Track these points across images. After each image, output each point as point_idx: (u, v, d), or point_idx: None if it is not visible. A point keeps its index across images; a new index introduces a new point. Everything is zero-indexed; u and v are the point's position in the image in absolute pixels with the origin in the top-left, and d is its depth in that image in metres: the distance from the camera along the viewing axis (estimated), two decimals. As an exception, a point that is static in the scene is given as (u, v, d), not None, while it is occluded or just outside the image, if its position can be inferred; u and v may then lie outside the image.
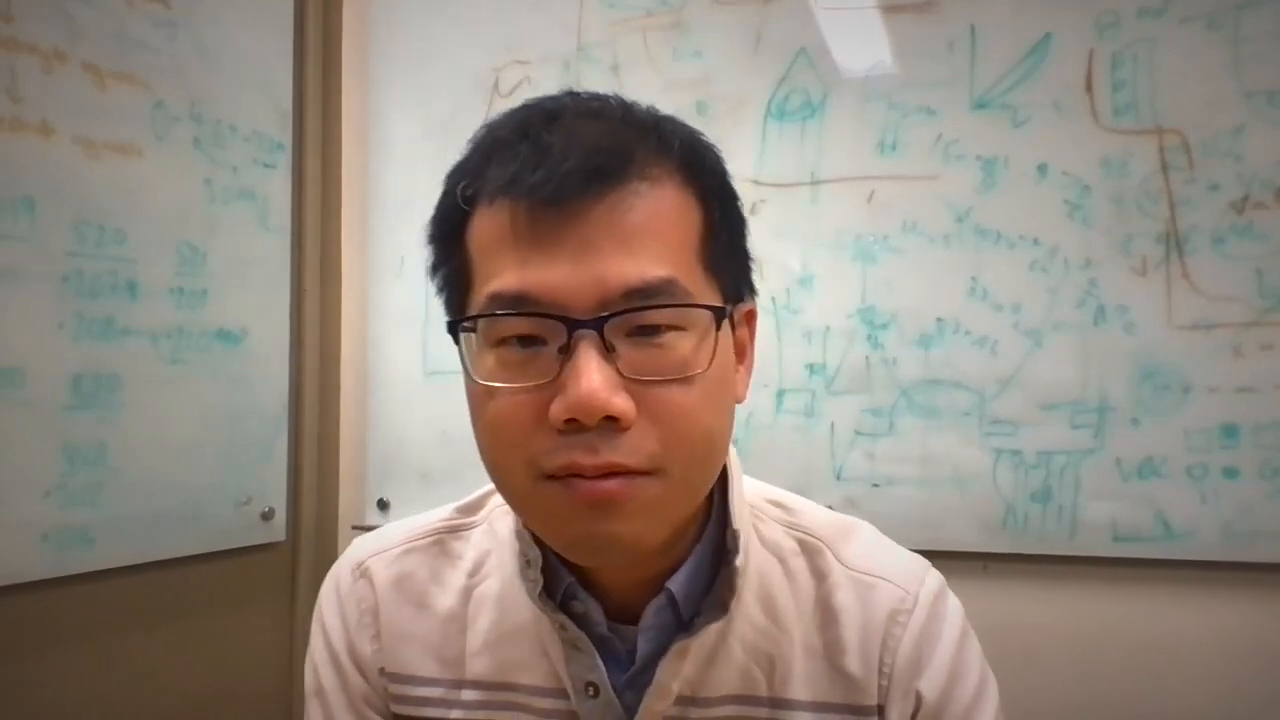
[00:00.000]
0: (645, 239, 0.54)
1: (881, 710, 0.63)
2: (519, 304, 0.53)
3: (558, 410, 0.52)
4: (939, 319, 1.46)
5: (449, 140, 1.75)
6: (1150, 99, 1.37)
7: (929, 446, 1.45)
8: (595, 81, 1.65)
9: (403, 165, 1.80)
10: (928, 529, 1.42)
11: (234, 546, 1.63)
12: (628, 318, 0.53)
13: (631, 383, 0.53)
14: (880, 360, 1.48)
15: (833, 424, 1.50)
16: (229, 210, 1.61)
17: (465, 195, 0.57)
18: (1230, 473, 1.32)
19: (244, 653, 1.67)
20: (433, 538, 0.71)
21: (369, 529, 1.84)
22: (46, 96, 1.32)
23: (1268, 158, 1.31)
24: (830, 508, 0.73)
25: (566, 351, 0.52)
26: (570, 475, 0.53)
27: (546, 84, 1.69)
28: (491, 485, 0.73)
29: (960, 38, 1.45)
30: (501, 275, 0.54)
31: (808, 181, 1.51)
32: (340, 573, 0.72)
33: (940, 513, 1.44)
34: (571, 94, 0.60)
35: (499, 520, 0.70)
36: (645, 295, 0.53)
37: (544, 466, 0.53)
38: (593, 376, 0.51)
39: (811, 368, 1.51)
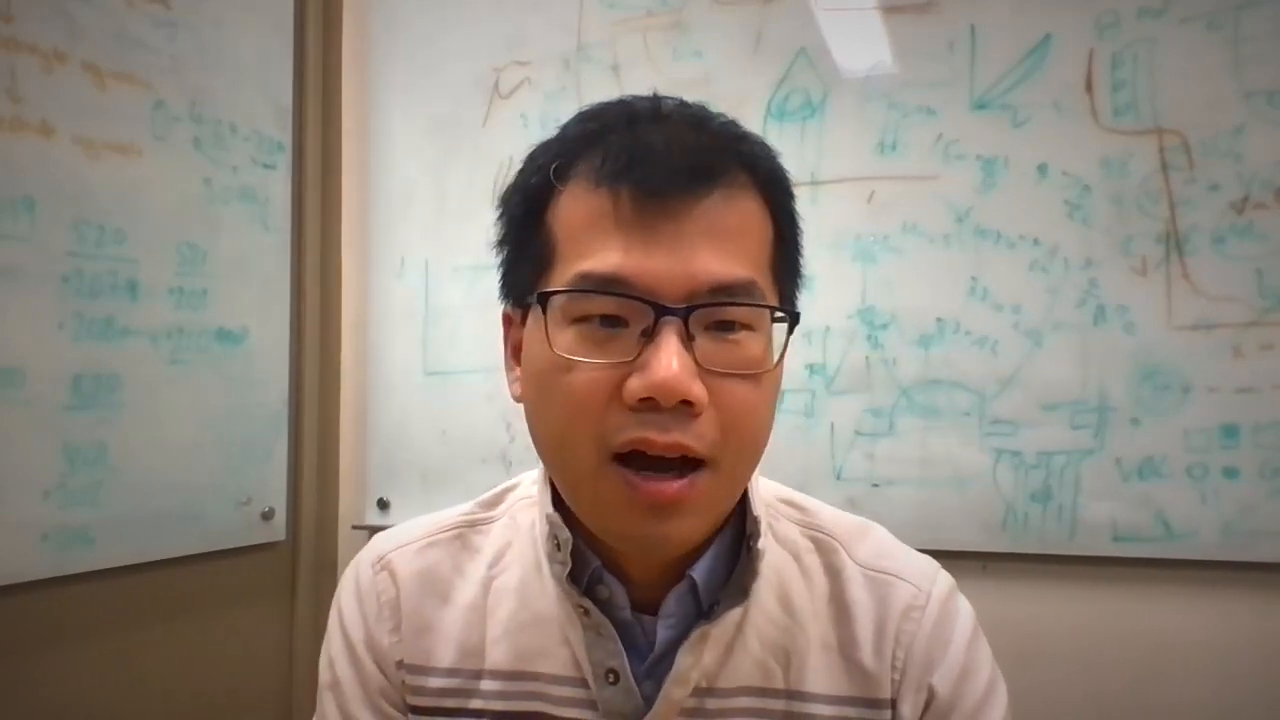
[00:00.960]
0: (735, 241, 0.58)
1: (894, 704, 0.65)
2: (612, 285, 0.56)
3: (636, 387, 0.55)
4: (939, 319, 1.46)
5: (449, 140, 1.77)
6: (1150, 99, 1.37)
7: (929, 446, 1.45)
8: (595, 81, 1.65)
9: (402, 165, 1.80)
10: (928, 529, 1.42)
11: (234, 546, 1.63)
12: (710, 311, 0.56)
13: (704, 372, 0.56)
14: (880, 360, 1.48)
15: (833, 424, 1.50)
16: (229, 210, 1.61)
17: (559, 173, 0.59)
18: (1230, 473, 1.32)
19: (244, 653, 1.67)
20: (454, 532, 0.72)
21: (369, 529, 1.85)
22: (46, 96, 1.32)
23: (1268, 158, 1.31)
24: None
25: (650, 335, 0.55)
26: (635, 453, 0.55)
27: (546, 84, 1.69)
28: (511, 481, 0.74)
29: (960, 38, 1.45)
30: (597, 256, 0.56)
31: (808, 182, 1.51)
32: (360, 567, 0.72)
33: (940, 513, 1.44)
34: (665, 97, 0.62)
35: (521, 513, 0.71)
36: (730, 293, 0.57)
37: (612, 443, 0.56)
38: (674, 361, 0.54)
39: (811, 368, 1.51)
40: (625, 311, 0.56)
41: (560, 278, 0.58)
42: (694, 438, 0.55)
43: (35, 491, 1.31)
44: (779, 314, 0.61)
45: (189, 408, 1.53)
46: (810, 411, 1.51)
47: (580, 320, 0.57)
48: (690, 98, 0.63)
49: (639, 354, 0.55)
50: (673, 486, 0.56)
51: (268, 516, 1.69)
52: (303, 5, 1.80)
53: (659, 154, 0.57)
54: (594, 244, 0.57)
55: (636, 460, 0.56)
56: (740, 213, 0.58)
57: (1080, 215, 1.39)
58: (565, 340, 0.57)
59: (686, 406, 0.55)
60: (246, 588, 1.68)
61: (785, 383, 0.66)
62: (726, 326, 0.57)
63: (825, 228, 1.49)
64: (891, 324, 1.48)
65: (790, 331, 0.60)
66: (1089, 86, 1.40)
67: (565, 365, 0.57)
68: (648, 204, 0.56)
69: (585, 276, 0.56)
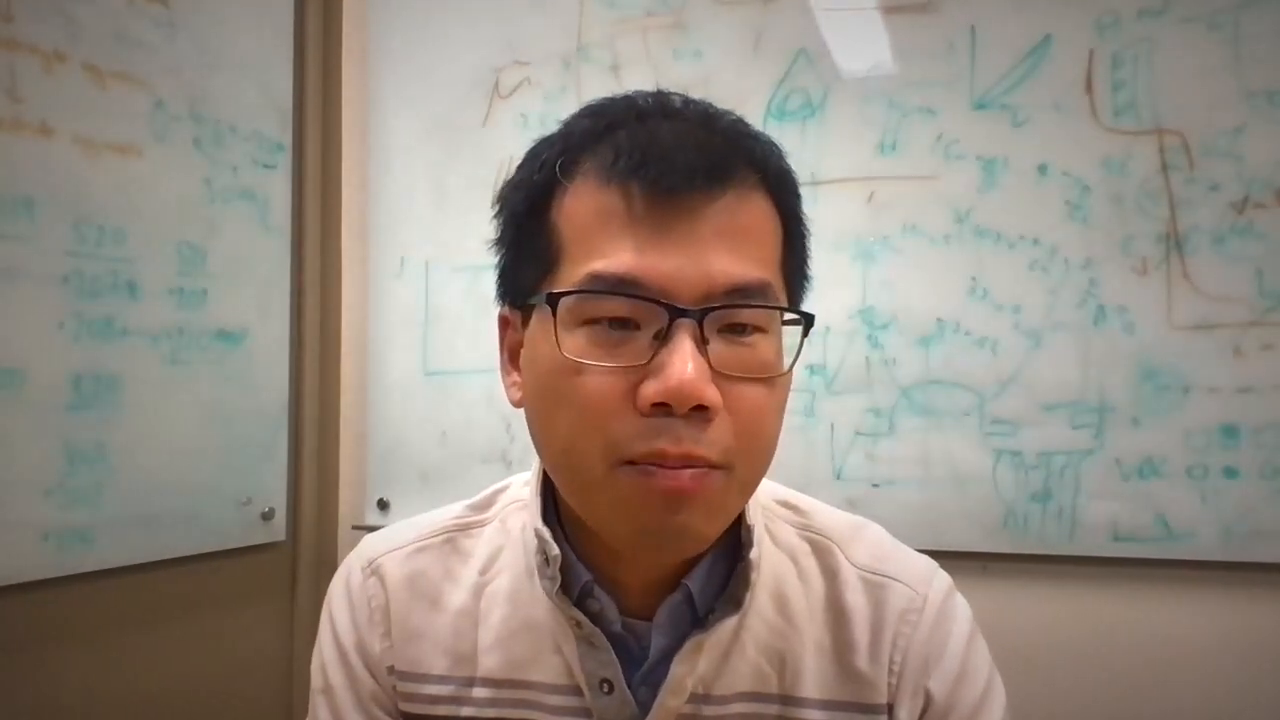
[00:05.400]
0: (749, 241, 0.56)
1: (891, 709, 0.64)
2: (624, 286, 0.54)
3: (650, 393, 0.53)
4: (939, 319, 1.46)
5: (449, 140, 1.77)
6: (1150, 99, 1.37)
7: (929, 447, 1.45)
8: (595, 82, 1.65)
9: (403, 165, 1.80)
10: (928, 529, 1.42)
11: (234, 546, 1.63)
12: (723, 314, 0.55)
13: (718, 376, 0.54)
14: (880, 360, 1.48)
15: (833, 424, 1.50)
16: (229, 210, 1.61)
17: (564, 169, 0.57)
18: (1230, 473, 1.32)
19: (244, 653, 1.67)
20: (444, 536, 0.71)
21: (369, 529, 1.84)
22: (46, 96, 1.32)
23: (1268, 158, 1.31)
24: (832, 509, 0.73)
25: (663, 338, 0.54)
26: (651, 463, 0.54)
27: (546, 84, 1.69)
28: (502, 484, 0.73)
29: (960, 38, 1.45)
30: (609, 256, 0.55)
31: (808, 182, 1.51)
32: (350, 571, 0.71)
33: (940, 513, 1.44)
34: (672, 93, 0.60)
35: (511, 517, 0.70)
36: (745, 294, 0.55)
37: (624, 451, 0.54)
38: (690, 365, 0.52)
39: (811, 368, 1.51)
40: (638, 313, 0.54)
41: (569, 278, 0.56)
42: (707, 445, 0.54)
43: (35, 491, 1.30)
44: (792, 316, 0.60)
45: (189, 408, 1.53)
46: (810, 411, 1.51)
47: (590, 322, 0.55)
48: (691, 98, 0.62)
49: (652, 357, 0.53)
50: (686, 474, 0.54)
51: (268, 517, 1.68)
52: (303, 5, 1.80)
53: (671, 151, 0.55)
54: (605, 243, 0.55)
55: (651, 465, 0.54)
56: (752, 213, 0.57)
57: (1080, 215, 1.39)
58: (575, 343, 0.55)
59: (701, 411, 0.53)
60: (246, 588, 1.68)
61: (786, 383, 0.65)
62: (740, 329, 0.56)
63: (825, 228, 1.49)
64: (891, 324, 1.48)
65: (805, 334, 0.59)
66: (1089, 86, 1.40)
67: (574, 369, 0.55)
68: (661, 202, 0.54)
69: (597, 277, 0.54)
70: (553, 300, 0.56)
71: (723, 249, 0.55)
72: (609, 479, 0.55)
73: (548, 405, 0.57)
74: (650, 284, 0.54)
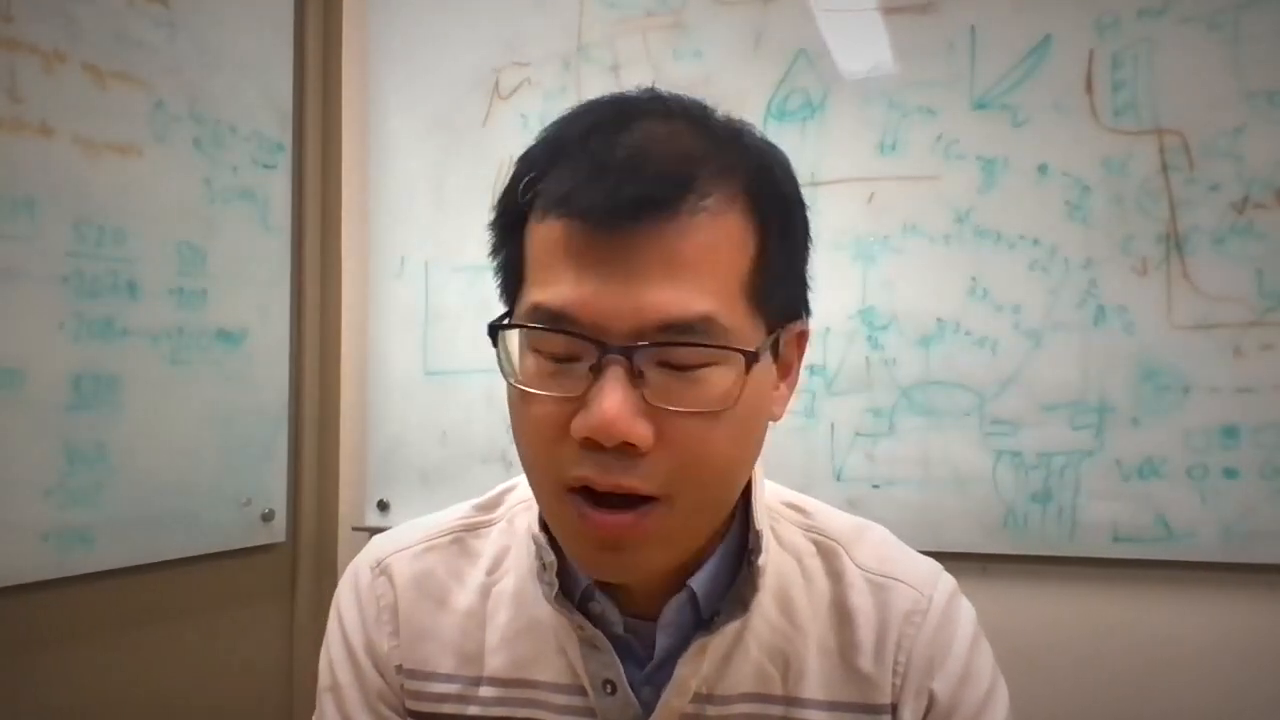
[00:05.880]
0: (692, 271, 0.53)
1: (895, 709, 0.64)
2: (557, 320, 0.54)
3: (578, 427, 0.53)
4: (939, 319, 1.46)
5: (449, 141, 1.77)
6: (1150, 99, 1.37)
7: (929, 447, 1.45)
8: (595, 81, 1.65)
9: (403, 166, 1.80)
10: (928, 530, 1.42)
11: (234, 548, 1.63)
12: (656, 350, 0.53)
13: (655, 410, 0.53)
14: (880, 361, 1.48)
15: (833, 425, 1.50)
16: (229, 210, 1.61)
17: (524, 197, 0.57)
18: (1230, 473, 1.32)
19: (244, 654, 1.67)
20: (452, 536, 0.71)
21: (369, 530, 1.84)
22: (46, 96, 1.32)
23: (1268, 158, 1.31)
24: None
25: (596, 372, 0.53)
26: (584, 488, 0.54)
27: (546, 84, 1.69)
28: (509, 483, 0.74)
29: (960, 38, 1.45)
30: (547, 288, 0.55)
31: (808, 182, 1.51)
32: (358, 570, 0.72)
33: (940, 513, 1.44)
34: (651, 94, 0.58)
35: (518, 517, 0.71)
36: (681, 330, 0.53)
37: (563, 477, 0.55)
38: (615, 402, 0.52)
39: (811, 368, 1.51)
40: (574, 347, 0.54)
41: (523, 303, 0.57)
42: (639, 478, 0.53)
43: (35, 491, 1.30)
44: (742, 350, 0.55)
45: (189, 408, 1.53)
46: (810, 412, 1.51)
47: (537, 350, 0.56)
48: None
49: (586, 389, 0.53)
50: (623, 520, 0.54)
51: (268, 518, 1.68)
52: (303, 5, 1.80)
53: (613, 174, 0.52)
54: (548, 274, 0.55)
55: (588, 493, 0.55)
56: (705, 236, 0.53)
57: (1080, 215, 1.39)
58: (525, 369, 0.57)
59: (629, 447, 0.52)
60: (246, 589, 1.68)
61: (786, 384, 0.64)
62: (683, 365, 0.54)
63: (825, 228, 1.49)
64: (891, 324, 1.48)
65: (747, 370, 0.54)
66: (1089, 87, 1.40)
67: (524, 395, 0.56)
68: (596, 234, 0.53)
69: (536, 308, 0.55)
70: (492, 332, 0.58)
71: (659, 280, 0.52)
72: (559, 503, 0.56)
73: (514, 425, 0.59)
74: (582, 319, 0.53)
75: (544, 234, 0.55)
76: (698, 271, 0.53)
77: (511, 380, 0.57)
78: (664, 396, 0.53)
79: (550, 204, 0.55)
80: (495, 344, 0.59)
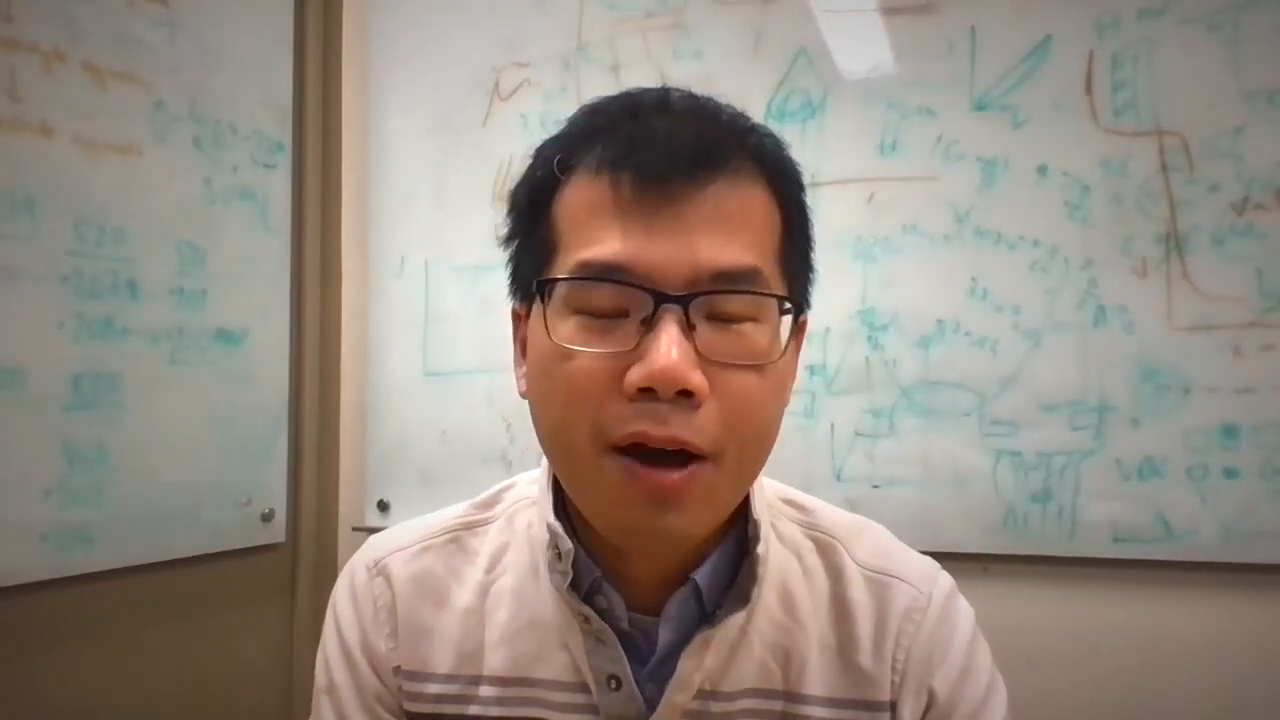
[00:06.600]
0: (739, 227, 0.56)
1: (894, 706, 0.64)
2: (611, 273, 0.55)
3: (635, 377, 0.53)
4: (939, 320, 1.46)
5: (449, 141, 1.77)
6: (1150, 100, 1.37)
7: (929, 447, 1.45)
8: (595, 82, 1.65)
9: (403, 165, 1.80)
10: (928, 530, 1.42)
11: (234, 547, 1.63)
12: (710, 300, 0.55)
13: (706, 363, 0.54)
14: (880, 361, 1.48)
15: (833, 425, 1.50)
16: (229, 210, 1.61)
17: (561, 165, 0.58)
18: (1230, 473, 1.32)
19: (244, 654, 1.67)
20: (449, 535, 0.71)
21: (369, 530, 1.84)
22: (46, 96, 1.32)
23: (1268, 158, 1.31)
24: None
25: (649, 324, 0.54)
26: (635, 445, 0.54)
27: (546, 84, 1.69)
28: (507, 481, 0.74)
29: (960, 38, 1.45)
30: (596, 244, 0.55)
31: (808, 182, 1.50)
32: (355, 570, 0.71)
33: (940, 513, 1.44)
34: (674, 89, 0.61)
35: (518, 515, 0.71)
36: (733, 280, 0.55)
37: (611, 435, 0.55)
38: (674, 349, 0.53)
39: (811, 368, 1.51)
40: (625, 300, 0.55)
41: (561, 266, 0.57)
42: (693, 431, 0.54)
43: (35, 491, 1.31)
44: (786, 305, 0.59)
45: (189, 408, 1.53)
46: (810, 412, 1.51)
47: (580, 310, 0.56)
48: (690, 97, 0.63)
49: (638, 343, 0.54)
50: (673, 476, 0.54)
51: (268, 518, 1.68)
52: (303, 5, 1.80)
53: (660, 140, 0.56)
54: (594, 232, 0.56)
55: (637, 452, 0.55)
56: (745, 200, 0.57)
57: (1080, 216, 1.39)
58: (565, 330, 0.56)
59: (686, 397, 0.53)
60: (246, 589, 1.68)
61: (785, 383, 0.65)
62: (729, 317, 0.56)
63: (825, 228, 1.47)
64: (891, 325, 1.48)
65: (796, 321, 0.59)
66: (1089, 87, 1.40)
67: (564, 355, 0.56)
68: (648, 190, 0.55)
69: (585, 264, 0.55)
70: (541, 287, 0.57)
71: (711, 235, 0.55)
72: (597, 465, 0.56)
73: (543, 390, 0.59)
74: (636, 270, 0.54)
75: (584, 196, 0.57)
76: (744, 229, 0.57)
77: (551, 339, 0.56)
78: (714, 349, 0.55)
79: (598, 164, 0.57)
80: (526, 312, 0.60)
